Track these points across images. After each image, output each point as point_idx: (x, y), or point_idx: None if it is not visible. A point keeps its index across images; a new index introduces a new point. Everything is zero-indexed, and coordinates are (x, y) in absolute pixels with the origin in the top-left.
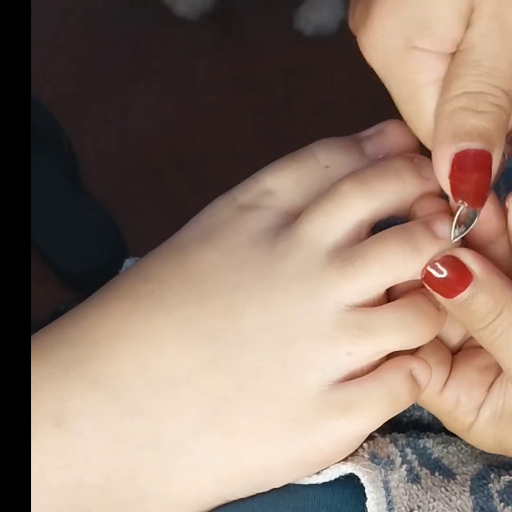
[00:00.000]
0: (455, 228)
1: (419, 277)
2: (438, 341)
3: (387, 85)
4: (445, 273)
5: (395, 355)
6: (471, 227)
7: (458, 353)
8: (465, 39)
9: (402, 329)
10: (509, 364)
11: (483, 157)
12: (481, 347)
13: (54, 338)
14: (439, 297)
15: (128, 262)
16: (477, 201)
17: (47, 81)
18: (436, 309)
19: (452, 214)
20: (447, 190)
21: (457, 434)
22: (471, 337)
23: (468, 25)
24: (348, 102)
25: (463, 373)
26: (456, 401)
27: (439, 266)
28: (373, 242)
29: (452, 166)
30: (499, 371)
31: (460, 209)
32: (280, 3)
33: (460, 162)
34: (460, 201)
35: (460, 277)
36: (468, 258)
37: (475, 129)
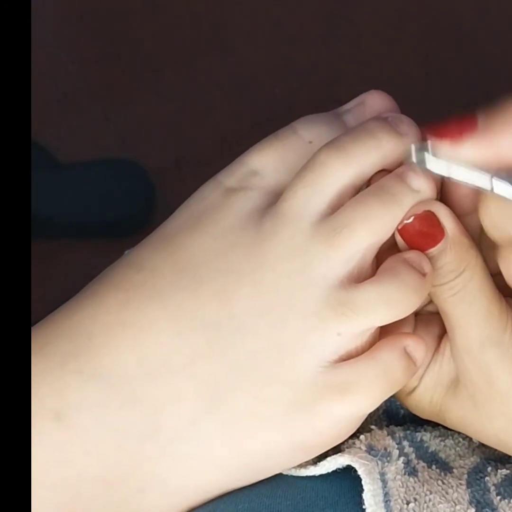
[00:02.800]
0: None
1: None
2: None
3: None
4: (420, 227)
5: (388, 331)
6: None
7: (416, 316)
8: None
9: (386, 305)
10: (456, 321)
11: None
12: (438, 315)
13: (49, 333)
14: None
15: (127, 253)
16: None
17: (46, 81)
18: (420, 277)
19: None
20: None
21: (397, 397)
22: (430, 302)
23: None
24: (348, 100)
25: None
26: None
27: (416, 219)
28: (353, 206)
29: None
30: None
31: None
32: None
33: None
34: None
35: (433, 232)
36: (443, 214)
37: None
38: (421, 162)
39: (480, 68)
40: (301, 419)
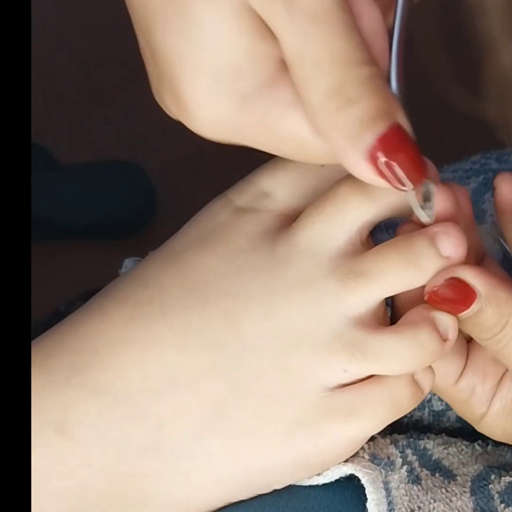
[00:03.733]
0: (422, 209)
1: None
2: None
3: (253, 145)
4: (448, 293)
5: None
6: (434, 199)
7: (473, 341)
8: (285, 46)
9: (397, 361)
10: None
11: (395, 135)
12: None
13: (53, 346)
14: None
15: (127, 262)
16: (418, 174)
17: (46, 81)
18: (440, 342)
19: (458, 224)
20: (383, 185)
21: (469, 422)
22: None
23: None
24: None
25: (478, 363)
26: (471, 391)
27: (442, 289)
28: (375, 257)
29: (373, 166)
30: None
31: (410, 195)
32: None
33: (374, 159)
34: (407, 187)
35: (463, 297)
36: (470, 276)
37: (361, 117)
38: None
39: (479, 69)
40: (304, 438)
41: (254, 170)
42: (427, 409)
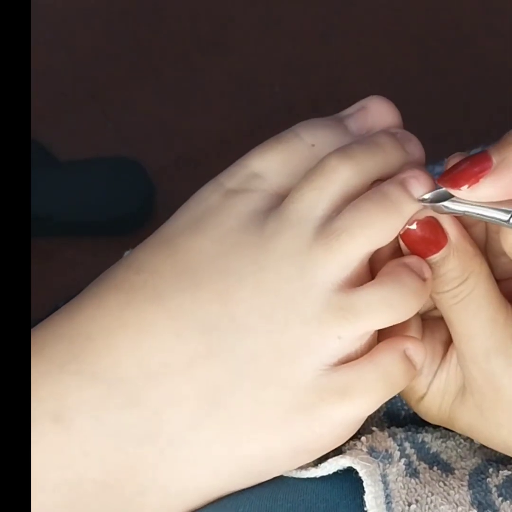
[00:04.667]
0: (429, 194)
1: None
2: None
3: None
4: (421, 233)
5: (388, 334)
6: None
7: (423, 322)
8: None
9: (387, 308)
10: (461, 329)
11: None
12: (443, 320)
13: (49, 334)
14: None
15: (127, 254)
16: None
17: (46, 78)
18: (420, 281)
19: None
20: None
21: (407, 402)
22: (434, 308)
23: None
24: (347, 99)
25: (427, 344)
26: (420, 371)
27: (419, 225)
28: (353, 211)
29: None
30: None
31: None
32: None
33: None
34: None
35: (436, 238)
36: (446, 221)
37: None
38: (438, 208)
39: (480, 68)
40: (301, 422)
41: (244, 154)
42: None
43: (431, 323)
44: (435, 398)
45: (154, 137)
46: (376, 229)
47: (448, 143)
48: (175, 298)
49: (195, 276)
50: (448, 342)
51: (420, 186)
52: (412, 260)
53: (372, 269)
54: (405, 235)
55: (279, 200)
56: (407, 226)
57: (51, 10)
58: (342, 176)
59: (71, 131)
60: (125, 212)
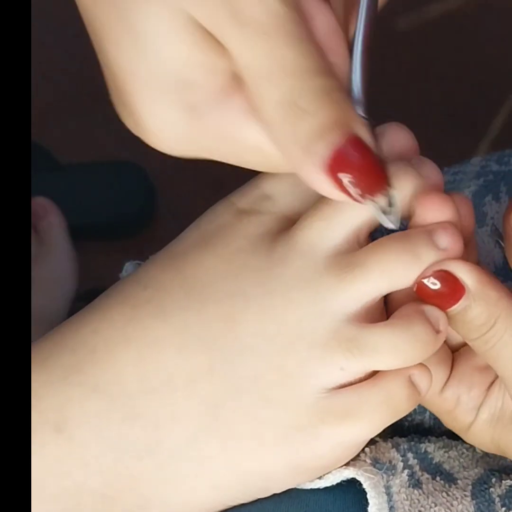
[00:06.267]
0: (385, 214)
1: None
2: None
3: (216, 158)
4: (437, 286)
5: None
6: (397, 205)
7: (459, 350)
8: (235, 58)
9: (393, 353)
10: (502, 373)
11: (352, 146)
12: None
13: (53, 345)
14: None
15: (128, 265)
16: (377, 186)
17: (47, 81)
18: (433, 333)
19: (455, 222)
20: (343, 198)
21: (456, 432)
22: None
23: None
24: None
25: (463, 372)
26: (456, 401)
27: (432, 280)
28: (372, 249)
29: (331, 179)
30: None
31: (373, 205)
32: None
33: (332, 172)
34: (367, 197)
35: (452, 291)
36: (461, 271)
37: (314, 129)
38: None
39: (480, 71)
40: (301, 442)
41: (257, 175)
42: (427, 413)
43: (468, 350)
44: (485, 426)
45: None
46: (391, 269)
47: (449, 145)
48: (180, 315)
49: (201, 294)
50: (491, 368)
51: (446, 236)
52: (430, 308)
53: (389, 304)
54: (419, 288)
55: (288, 223)
56: (420, 279)
57: (52, 11)
58: (352, 207)
59: (72, 134)
60: (126, 215)
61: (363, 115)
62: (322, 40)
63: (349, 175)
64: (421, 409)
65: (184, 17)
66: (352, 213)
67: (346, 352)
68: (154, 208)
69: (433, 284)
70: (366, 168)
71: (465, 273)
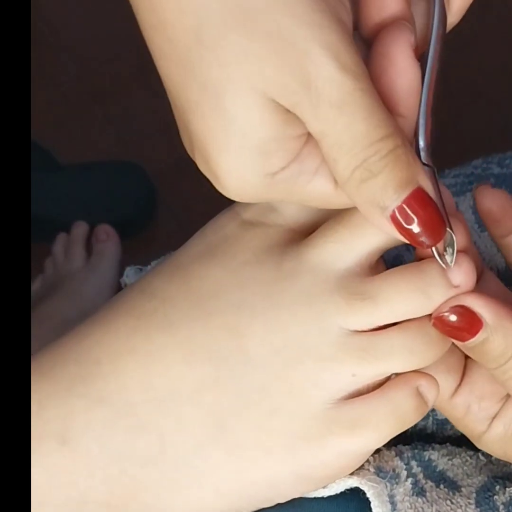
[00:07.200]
0: (445, 256)
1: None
2: (451, 346)
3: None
4: (454, 320)
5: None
6: (456, 246)
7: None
8: (311, 130)
9: (406, 354)
10: None
11: (416, 199)
12: None
13: (57, 356)
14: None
15: (128, 270)
16: (437, 234)
17: (47, 81)
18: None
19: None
20: (407, 241)
21: (469, 438)
22: None
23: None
24: None
25: (475, 381)
26: (466, 409)
27: (448, 316)
28: (384, 282)
29: (396, 227)
30: None
31: (434, 248)
32: None
33: (397, 221)
34: (428, 243)
35: (469, 325)
36: (478, 305)
37: (383, 188)
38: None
39: (480, 73)
40: (308, 452)
41: None
42: (431, 418)
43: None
44: (500, 440)
45: (154, 140)
46: (402, 306)
47: (449, 146)
48: (185, 326)
49: (207, 305)
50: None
51: (460, 274)
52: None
53: None
54: (436, 322)
55: (294, 236)
56: (438, 314)
57: (52, 12)
58: (368, 233)
59: (72, 134)
60: (126, 215)
61: (427, 162)
62: (399, 97)
63: (413, 225)
64: None
65: (264, 98)
66: (368, 239)
67: (358, 359)
68: (154, 208)
69: (451, 318)
70: (428, 219)
71: (482, 307)
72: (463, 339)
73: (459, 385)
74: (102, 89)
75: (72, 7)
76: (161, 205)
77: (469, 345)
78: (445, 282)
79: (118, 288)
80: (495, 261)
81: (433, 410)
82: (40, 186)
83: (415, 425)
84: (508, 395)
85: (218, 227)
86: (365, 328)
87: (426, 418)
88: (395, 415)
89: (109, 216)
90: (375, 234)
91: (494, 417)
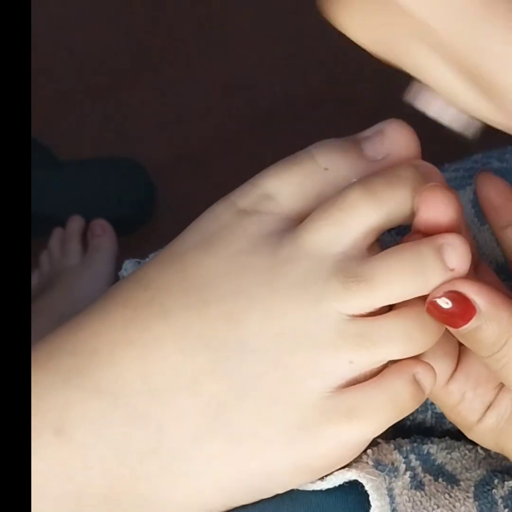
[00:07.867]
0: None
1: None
2: (447, 332)
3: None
4: (448, 306)
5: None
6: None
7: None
8: None
9: (404, 340)
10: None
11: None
12: None
13: (53, 348)
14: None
15: (127, 263)
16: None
17: (46, 79)
18: None
19: (463, 231)
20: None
21: (459, 428)
22: None
23: None
24: (347, 99)
25: (471, 368)
26: (461, 396)
27: (442, 300)
28: (380, 263)
29: None
30: None
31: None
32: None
33: None
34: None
35: (463, 311)
36: (472, 291)
37: None
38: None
39: None
40: (305, 441)
41: (258, 173)
42: (429, 411)
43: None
44: (491, 432)
45: (154, 136)
46: (398, 287)
47: (447, 144)
48: (182, 315)
49: (203, 294)
50: None
51: (455, 256)
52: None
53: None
54: (430, 307)
55: (290, 223)
56: (432, 298)
57: (52, 8)
58: (362, 213)
59: (71, 130)
60: (125, 211)
61: None
62: None
63: None
64: (423, 407)
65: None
66: (363, 219)
67: (355, 346)
68: (153, 205)
69: (445, 304)
70: None
71: (476, 294)
72: (456, 326)
73: (454, 371)
74: (101, 86)
75: (72, 3)
76: (160, 202)
77: (462, 332)
78: (441, 264)
79: (115, 282)
80: (494, 255)
81: (432, 403)
82: (39, 182)
83: (414, 419)
84: (501, 384)
85: (213, 216)
86: (362, 312)
87: (425, 411)
88: (392, 403)
89: (108, 212)
90: (370, 214)
91: (488, 407)
